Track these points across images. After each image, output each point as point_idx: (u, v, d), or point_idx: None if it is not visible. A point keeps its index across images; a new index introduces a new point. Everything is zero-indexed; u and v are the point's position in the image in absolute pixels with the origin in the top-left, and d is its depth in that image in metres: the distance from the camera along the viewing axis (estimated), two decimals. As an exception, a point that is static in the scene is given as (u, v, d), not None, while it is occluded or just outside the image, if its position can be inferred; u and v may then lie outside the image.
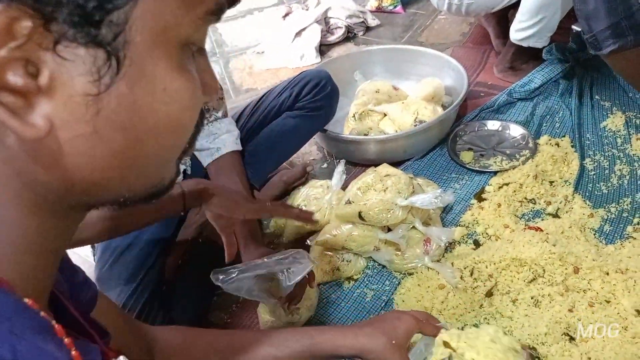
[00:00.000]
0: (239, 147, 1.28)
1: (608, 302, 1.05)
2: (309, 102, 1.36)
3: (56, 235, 0.37)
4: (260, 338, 0.77)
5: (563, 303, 1.06)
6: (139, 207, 0.85)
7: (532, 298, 1.09)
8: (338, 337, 0.76)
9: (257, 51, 2.30)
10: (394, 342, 0.74)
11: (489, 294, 1.13)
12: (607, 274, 1.09)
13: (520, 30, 1.67)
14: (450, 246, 1.29)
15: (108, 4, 0.29)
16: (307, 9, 2.33)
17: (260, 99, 1.42)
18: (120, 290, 1.14)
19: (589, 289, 1.08)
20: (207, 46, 2.15)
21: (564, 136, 1.56)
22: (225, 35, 2.49)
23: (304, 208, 1.34)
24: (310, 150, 1.72)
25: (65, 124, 0.30)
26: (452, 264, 1.21)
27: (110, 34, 0.29)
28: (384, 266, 1.27)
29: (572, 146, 1.52)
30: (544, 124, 1.62)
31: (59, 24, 0.28)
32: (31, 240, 0.34)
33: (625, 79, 1.42)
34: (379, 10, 2.44)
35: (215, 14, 0.35)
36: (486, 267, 1.17)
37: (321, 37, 2.20)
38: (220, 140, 1.25)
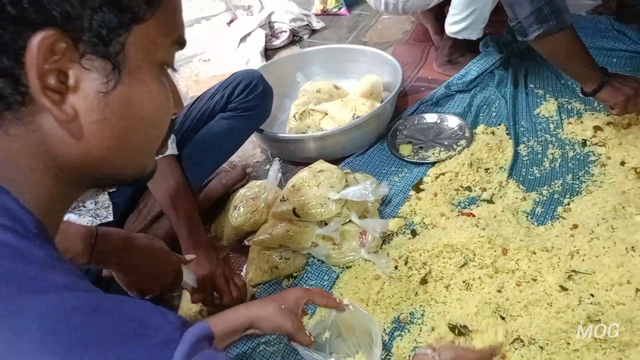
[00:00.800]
0: (175, 151, 1.27)
1: (535, 280, 1.07)
2: (242, 103, 1.35)
3: (60, 201, 0.49)
4: None
5: (492, 284, 1.08)
6: None
7: (463, 282, 1.10)
8: (229, 314, 0.81)
9: (204, 59, 2.29)
10: (283, 307, 0.81)
11: (424, 281, 1.14)
12: (534, 252, 1.11)
13: (454, 24, 1.71)
14: (388, 237, 1.30)
15: (115, 31, 0.42)
16: (251, 15, 2.34)
17: (193, 102, 1.41)
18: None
19: (517, 269, 1.09)
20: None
21: (500, 124, 1.59)
22: (173, 45, 2.48)
23: (242, 209, 1.34)
24: (254, 152, 1.72)
25: (85, 112, 0.43)
26: (388, 254, 1.22)
27: (115, 51, 0.43)
28: (323, 262, 1.26)
29: (507, 134, 1.55)
30: (481, 114, 1.65)
31: (83, 43, 0.41)
32: (46, 199, 0.46)
33: (553, 63, 1.46)
34: (324, 13, 2.46)
35: (179, 44, 0.50)
36: (420, 256, 1.18)
37: (266, 42, 2.21)
38: None
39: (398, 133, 1.62)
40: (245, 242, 1.28)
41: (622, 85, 1.33)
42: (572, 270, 1.04)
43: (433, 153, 1.52)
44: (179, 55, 2.40)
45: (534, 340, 0.97)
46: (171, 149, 1.26)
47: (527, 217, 1.28)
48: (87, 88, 0.43)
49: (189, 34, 2.58)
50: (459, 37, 1.73)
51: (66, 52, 0.41)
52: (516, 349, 0.98)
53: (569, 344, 0.95)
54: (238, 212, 1.33)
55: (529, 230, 1.22)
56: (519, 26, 1.37)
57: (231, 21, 2.34)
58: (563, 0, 1.32)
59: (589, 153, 1.43)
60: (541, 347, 0.96)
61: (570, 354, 0.95)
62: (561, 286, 1.02)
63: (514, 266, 1.10)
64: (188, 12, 2.79)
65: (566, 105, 1.61)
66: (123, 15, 0.42)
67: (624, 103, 1.33)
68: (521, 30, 1.38)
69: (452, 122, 1.62)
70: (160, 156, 1.23)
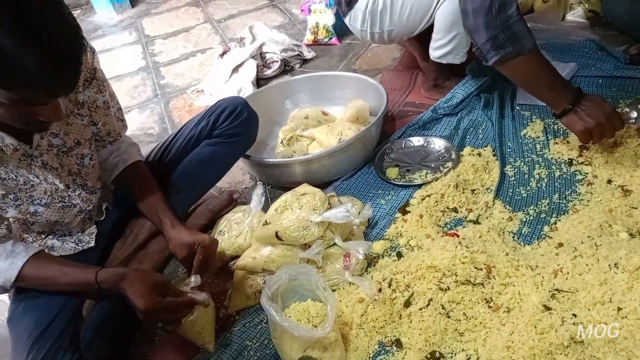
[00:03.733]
0: (142, 157, 1.31)
1: (519, 299, 1.05)
2: (227, 129, 1.37)
3: None
4: None
5: (475, 306, 1.06)
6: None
7: (443, 307, 1.08)
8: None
9: (197, 90, 2.33)
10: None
11: (407, 304, 1.12)
12: (518, 269, 1.09)
13: (437, 49, 1.73)
14: (374, 260, 1.29)
15: None
16: (243, 46, 2.38)
17: (179, 130, 1.42)
18: (31, 331, 1.10)
19: (501, 288, 1.07)
20: (149, 90, 2.22)
21: (487, 146, 1.59)
22: (168, 77, 2.52)
23: (226, 234, 1.33)
24: (243, 179, 1.72)
25: None
26: (373, 277, 1.20)
27: None
28: (307, 286, 1.25)
29: (493, 155, 1.55)
30: (468, 136, 1.66)
31: None
32: None
33: (517, 85, 1.46)
34: (315, 44, 2.50)
35: None
36: (404, 278, 1.16)
37: (258, 72, 2.24)
38: (124, 152, 1.27)
39: (385, 156, 1.63)
40: (229, 266, 1.28)
41: (586, 115, 1.30)
42: (556, 289, 1.02)
43: (419, 175, 1.52)
44: (173, 87, 2.45)
45: (518, 361, 0.95)
46: (138, 156, 1.29)
47: (513, 237, 1.27)
48: None
49: (183, 66, 2.65)
50: (443, 61, 1.75)
51: None
52: (501, 371, 0.95)
53: (553, 364, 0.93)
54: (222, 237, 1.32)
55: (515, 250, 1.21)
56: (479, 52, 1.41)
57: (224, 53, 2.38)
58: (523, 26, 1.32)
59: (576, 172, 1.42)
60: (526, 369, 0.94)
61: (555, 375, 0.92)
62: (545, 305, 1.00)
63: (497, 285, 1.08)
64: (185, 46, 2.86)
65: (552, 125, 1.61)
66: None
67: (583, 134, 1.32)
68: (482, 56, 1.40)
69: (439, 144, 1.62)
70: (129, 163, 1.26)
